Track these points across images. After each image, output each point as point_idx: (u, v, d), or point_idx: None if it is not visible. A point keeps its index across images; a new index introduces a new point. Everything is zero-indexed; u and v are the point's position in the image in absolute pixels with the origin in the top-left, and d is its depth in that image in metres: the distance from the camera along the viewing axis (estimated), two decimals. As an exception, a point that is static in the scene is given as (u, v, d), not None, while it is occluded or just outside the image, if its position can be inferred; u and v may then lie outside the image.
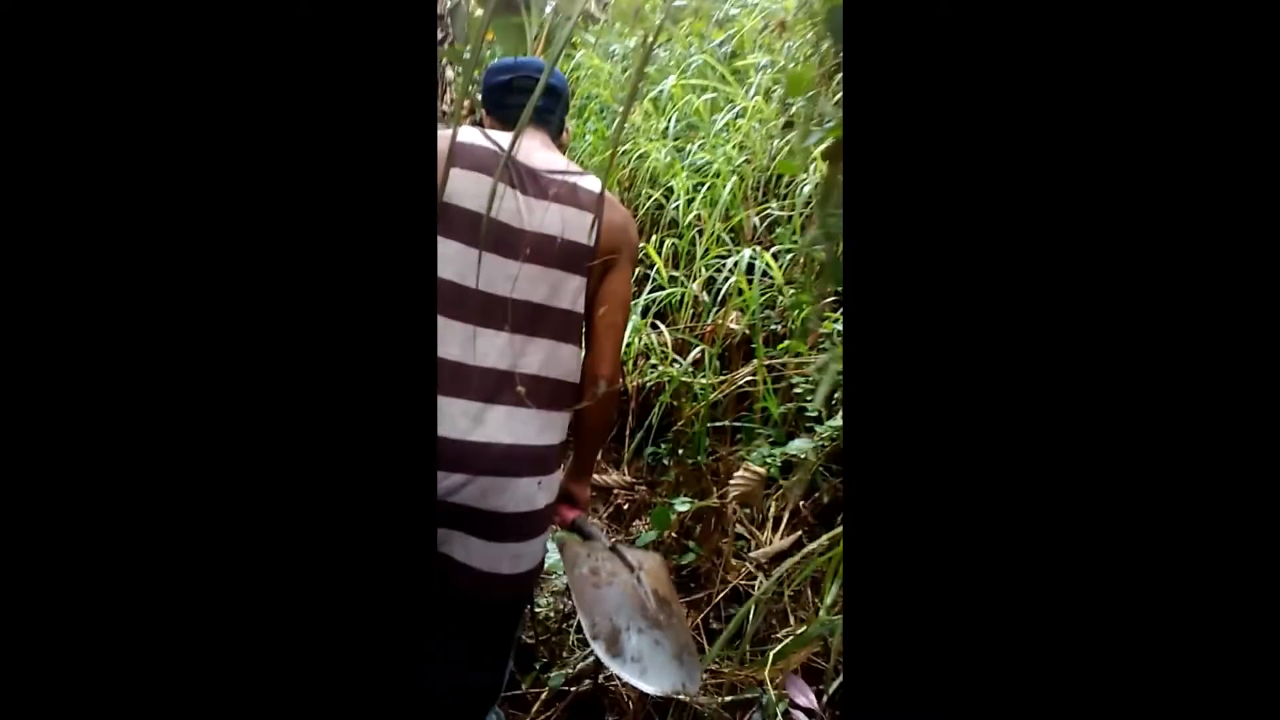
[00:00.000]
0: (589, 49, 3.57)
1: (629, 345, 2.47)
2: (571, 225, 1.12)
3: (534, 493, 1.10)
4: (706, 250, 2.65)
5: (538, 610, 1.81)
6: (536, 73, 1.20)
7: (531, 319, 1.09)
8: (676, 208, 2.86)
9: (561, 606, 1.87)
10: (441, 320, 1.04)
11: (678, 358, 2.42)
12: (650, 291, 2.61)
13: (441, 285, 1.04)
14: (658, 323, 2.53)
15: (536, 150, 1.18)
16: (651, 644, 1.12)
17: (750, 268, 2.42)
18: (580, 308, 1.15)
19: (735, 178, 2.76)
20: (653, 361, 2.44)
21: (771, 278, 2.37)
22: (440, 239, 1.04)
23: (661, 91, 3.25)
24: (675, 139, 3.10)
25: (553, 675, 1.61)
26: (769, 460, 1.83)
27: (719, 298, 2.51)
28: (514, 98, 1.21)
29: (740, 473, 1.76)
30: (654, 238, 2.89)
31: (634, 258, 1.25)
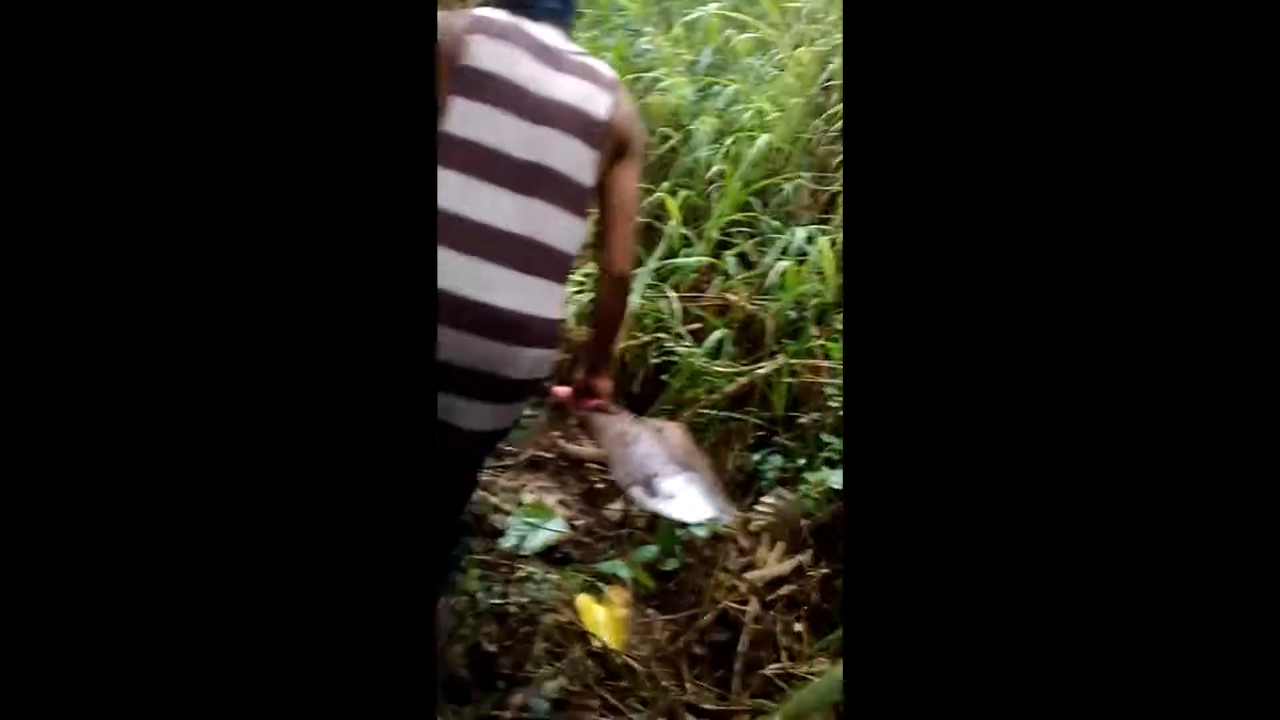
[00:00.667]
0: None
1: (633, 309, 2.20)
2: (587, 97, 1.11)
3: (538, 362, 1.11)
4: (721, 214, 2.36)
5: (497, 604, 1.63)
6: None
7: (542, 182, 1.07)
8: (695, 156, 2.55)
9: (523, 602, 1.66)
10: (455, 176, 1.02)
11: (683, 331, 2.16)
12: (662, 255, 2.30)
13: (457, 144, 1.02)
14: (666, 288, 2.24)
15: (549, 33, 1.15)
16: (684, 483, 1.16)
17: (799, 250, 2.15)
18: (589, 181, 1.13)
19: (765, 136, 2.45)
20: (659, 336, 2.16)
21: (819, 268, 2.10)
22: (460, 99, 1.04)
23: (698, 18, 2.88)
24: (703, 76, 2.76)
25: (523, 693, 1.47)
26: (804, 491, 1.61)
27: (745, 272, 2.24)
28: None
29: (771, 500, 1.54)
30: (664, 184, 2.59)
31: (643, 154, 1.24)
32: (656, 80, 2.75)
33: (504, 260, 1.04)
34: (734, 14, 2.84)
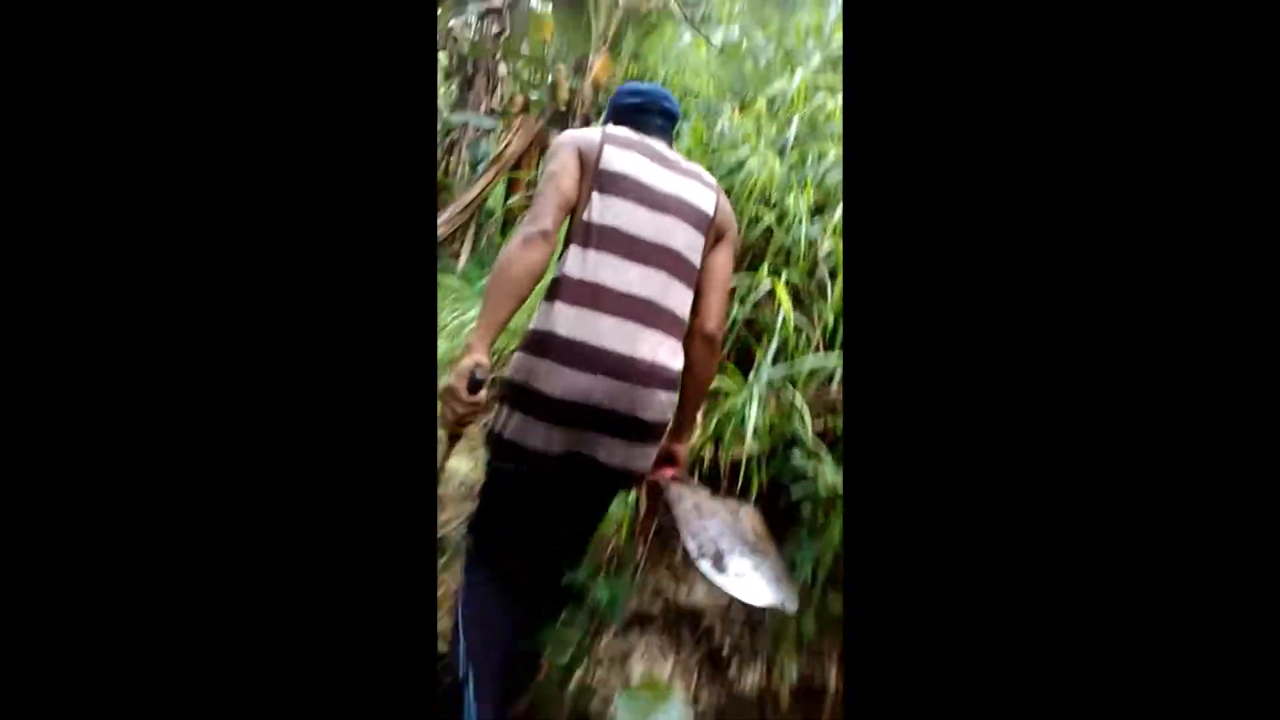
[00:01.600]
0: (696, 39, 2.95)
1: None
2: (698, 195, 1.37)
3: (666, 406, 1.28)
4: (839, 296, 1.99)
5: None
6: (662, 100, 1.46)
7: (665, 258, 1.29)
8: (794, 236, 2.21)
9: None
10: (596, 254, 1.25)
11: (818, 450, 1.74)
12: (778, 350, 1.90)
13: (598, 229, 1.26)
14: (795, 393, 1.83)
15: (664, 147, 1.42)
16: (753, 566, 1.21)
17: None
18: (698, 261, 1.35)
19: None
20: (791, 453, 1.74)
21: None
22: (599, 195, 1.28)
23: (779, 91, 2.62)
24: (793, 149, 2.46)
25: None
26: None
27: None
28: (642, 116, 1.46)
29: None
30: (761, 268, 2.25)
31: (736, 243, 1.49)
32: (741, 162, 2.48)
33: (636, 318, 1.24)
34: (821, 77, 2.56)
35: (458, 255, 4.10)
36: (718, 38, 2.99)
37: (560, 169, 1.27)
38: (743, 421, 1.71)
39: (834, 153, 2.30)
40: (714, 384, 1.88)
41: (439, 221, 4.27)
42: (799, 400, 1.76)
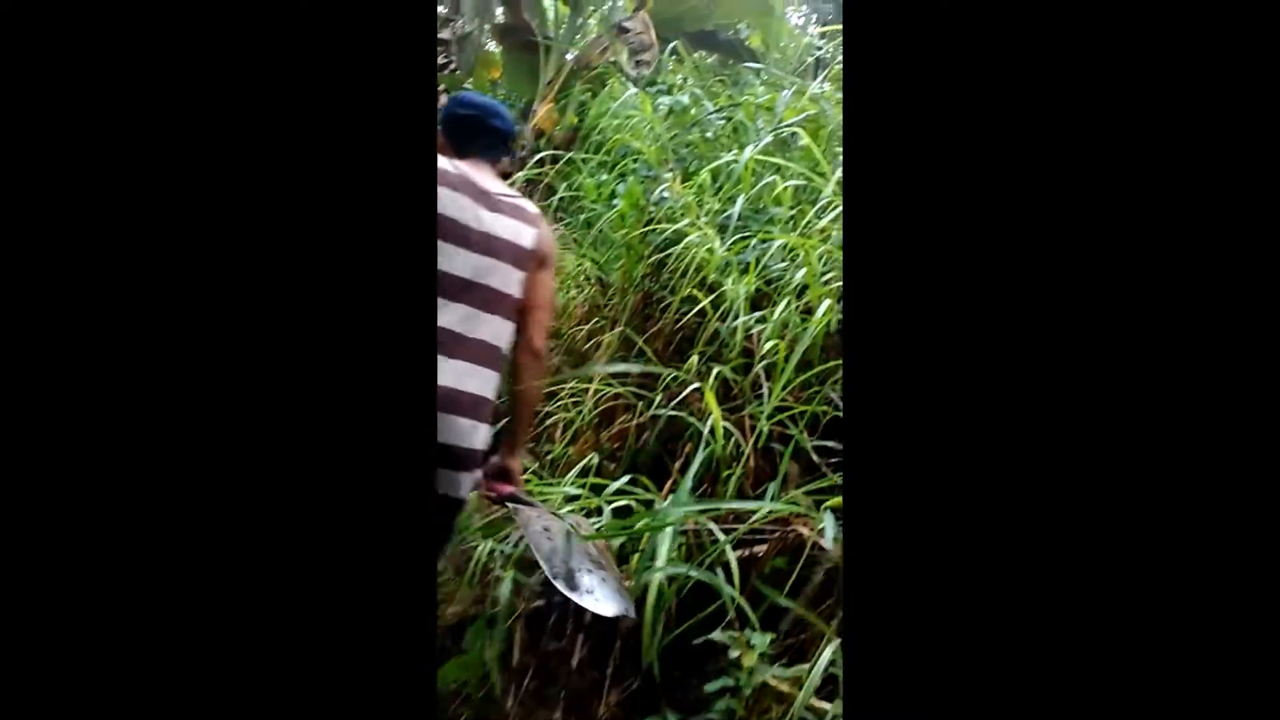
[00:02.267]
0: (644, 97, 2.76)
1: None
2: (517, 233, 1.43)
3: (472, 432, 1.34)
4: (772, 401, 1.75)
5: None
6: (492, 116, 1.51)
7: (482, 296, 1.37)
8: (732, 326, 1.99)
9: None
10: None
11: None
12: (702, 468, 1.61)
13: None
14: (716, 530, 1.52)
15: (485, 176, 1.46)
16: (600, 581, 1.35)
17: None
18: (517, 294, 1.43)
19: (828, 302, 1.90)
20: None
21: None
22: None
23: (726, 165, 2.43)
24: (736, 228, 2.26)
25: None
26: None
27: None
28: (468, 132, 1.50)
29: None
30: (690, 358, 2.02)
31: (555, 264, 1.57)
32: (681, 233, 2.26)
33: (448, 352, 1.31)
34: (774, 160, 2.39)
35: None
36: (665, 100, 2.83)
37: None
38: (651, 557, 1.42)
39: (780, 241, 2.11)
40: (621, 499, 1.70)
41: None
42: (729, 555, 1.40)
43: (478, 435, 1.34)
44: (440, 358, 1.27)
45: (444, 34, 5.46)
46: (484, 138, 1.49)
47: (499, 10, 5.29)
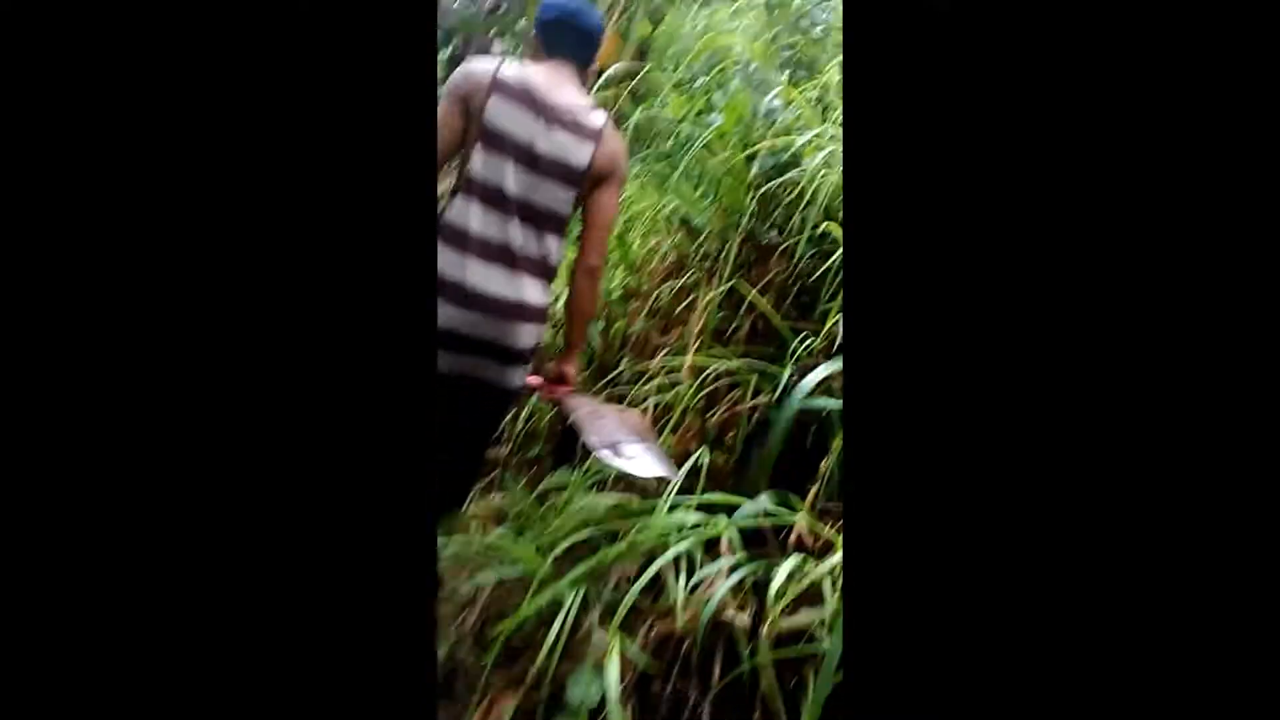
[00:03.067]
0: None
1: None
2: (572, 151, 1.44)
3: (521, 333, 1.47)
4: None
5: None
6: (578, 15, 1.49)
7: (532, 212, 1.44)
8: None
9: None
10: (474, 205, 1.41)
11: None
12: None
13: (477, 183, 1.41)
14: None
15: (562, 84, 1.47)
16: (643, 449, 1.44)
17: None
18: (567, 211, 1.48)
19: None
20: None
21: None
22: (481, 151, 1.41)
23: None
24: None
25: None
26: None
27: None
28: (555, 34, 1.50)
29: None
30: (831, 315, 1.51)
31: (623, 180, 1.56)
32: (797, 155, 1.73)
33: (502, 262, 1.43)
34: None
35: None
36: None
37: (441, 124, 1.40)
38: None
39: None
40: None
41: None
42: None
43: (526, 335, 1.48)
44: (495, 267, 1.43)
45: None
46: (570, 38, 1.50)
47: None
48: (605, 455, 1.37)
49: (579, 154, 1.44)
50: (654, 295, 2.09)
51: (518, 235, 1.42)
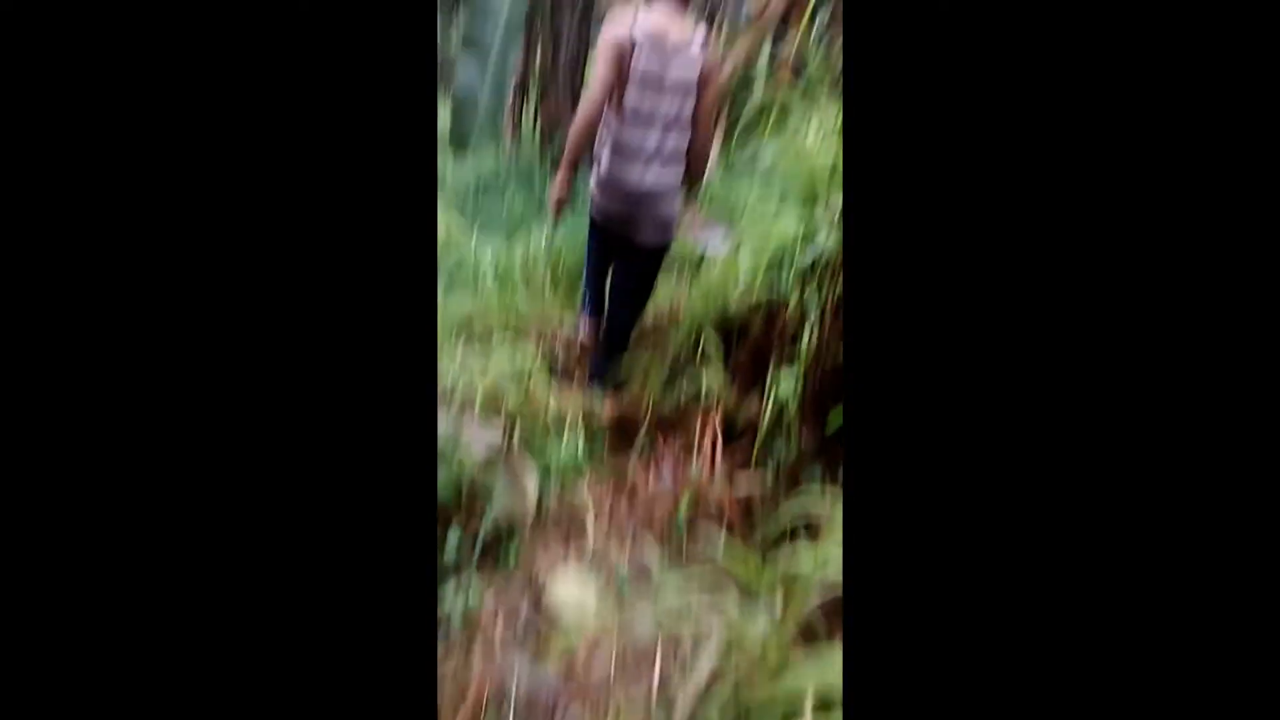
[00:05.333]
0: None
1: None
2: (688, 71, 2.10)
3: (671, 203, 2.24)
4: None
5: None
6: None
7: (674, 124, 2.14)
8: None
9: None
10: (632, 130, 2.14)
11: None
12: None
13: (629, 111, 2.12)
14: None
15: (675, 21, 2.09)
16: (722, 237, 2.44)
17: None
18: (690, 112, 2.16)
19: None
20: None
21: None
22: (634, 89, 2.10)
23: None
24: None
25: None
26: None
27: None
28: None
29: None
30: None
31: (719, 75, 2.36)
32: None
33: (649, 160, 2.15)
34: None
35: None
36: None
37: (601, 77, 2.07)
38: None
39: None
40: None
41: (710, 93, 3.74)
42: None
43: (673, 205, 2.22)
44: (650, 165, 2.14)
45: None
46: None
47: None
48: (700, 245, 2.37)
49: (690, 73, 2.08)
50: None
51: (658, 141, 2.11)
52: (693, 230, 2.32)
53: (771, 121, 3.09)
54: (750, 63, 3.83)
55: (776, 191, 2.52)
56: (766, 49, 3.84)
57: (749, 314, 2.07)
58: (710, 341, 2.07)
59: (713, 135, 2.34)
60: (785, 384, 1.71)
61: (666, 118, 2.10)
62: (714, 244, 2.33)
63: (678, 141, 2.14)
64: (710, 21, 4.59)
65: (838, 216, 1.77)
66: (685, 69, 2.08)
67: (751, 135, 3.41)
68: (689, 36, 2.10)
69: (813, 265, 1.77)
